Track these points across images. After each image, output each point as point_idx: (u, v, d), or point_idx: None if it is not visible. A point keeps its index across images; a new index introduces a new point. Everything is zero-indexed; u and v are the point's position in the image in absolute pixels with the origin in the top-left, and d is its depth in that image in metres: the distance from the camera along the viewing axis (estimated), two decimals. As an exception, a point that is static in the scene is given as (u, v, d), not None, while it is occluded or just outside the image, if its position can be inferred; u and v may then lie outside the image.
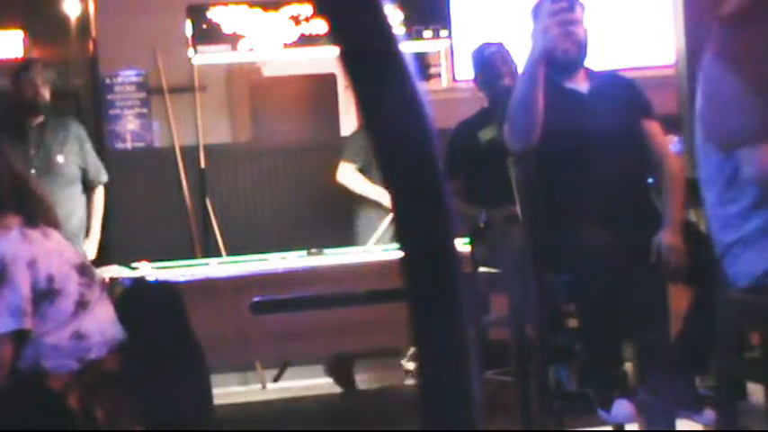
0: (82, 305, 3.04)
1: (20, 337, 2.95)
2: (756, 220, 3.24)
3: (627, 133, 3.94)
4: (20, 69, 6.32)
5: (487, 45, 5.28)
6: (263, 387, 6.61)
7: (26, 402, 2.92)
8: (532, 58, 3.79)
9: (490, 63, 5.17)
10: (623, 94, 4.04)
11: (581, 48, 4.00)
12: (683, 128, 5.41)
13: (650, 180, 4.07)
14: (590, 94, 4.01)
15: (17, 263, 2.98)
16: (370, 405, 5.85)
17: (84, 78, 7.99)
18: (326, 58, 7.34)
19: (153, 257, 5.64)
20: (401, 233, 0.78)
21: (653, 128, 4.00)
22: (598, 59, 5.54)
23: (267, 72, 8.41)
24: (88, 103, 7.82)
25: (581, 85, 4.02)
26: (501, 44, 5.27)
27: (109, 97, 7.78)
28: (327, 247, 5.94)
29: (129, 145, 7.73)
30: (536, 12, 3.99)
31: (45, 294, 3.00)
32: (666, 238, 3.73)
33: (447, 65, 7.89)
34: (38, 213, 3.13)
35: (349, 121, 8.18)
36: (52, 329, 2.99)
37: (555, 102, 3.83)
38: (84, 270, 3.11)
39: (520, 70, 4.98)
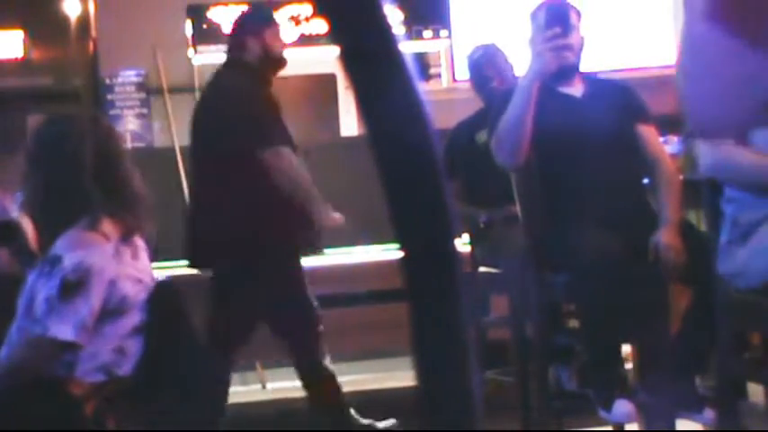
0: (138, 329, 3.00)
1: (66, 348, 2.90)
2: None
3: (622, 135, 3.96)
4: (261, 19, 4.91)
5: (477, 48, 5.30)
6: (264, 387, 6.61)
7: (45, 405, 2.89)
8: (526, 83, 3.84)
9: (477, 67, 5.18)
10: (618, 98, 4.08)
11: (576, 57, 4.03)
12: (684, 128, 5.41)
13: (646, 180, 4.09)
14: (585, 98, 4.04)
15: (102, 278, 2.92)
16: (370, 405, 5.84)
17: (84, 78, 8.00)
18: (326, 58, 7.35)
19: (153, 257, 5.63)
20: (401, 233, 0.78)
21: (648, 132, 4.03)
22: (599, 60, 5.56)
23: (267, 72, 8.40)
24: (88, 104, 7.82)
25: (576, 89, 4.06)
26: (491, 46, 5.27)
27: (109, 97, 7.78)
28: (327, 247, 5.94)
29: (129, 145, 7.73)
30: (534, 17, 4.02)
31: (111, 313, 2.95)
32: (664, 236, 3.74)
33: (447, 65, 7.89)
34: (135, 225, 3.06)
35: (349, 121, 8.19)
36: (101, 343, 2.94)
37: (550, 106, 3.87)
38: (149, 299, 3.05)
39: (515, 72, 5.00)
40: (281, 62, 4.80)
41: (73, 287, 2.90)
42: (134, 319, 2.98)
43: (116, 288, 2.94)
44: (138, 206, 3.11)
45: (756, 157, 3.13)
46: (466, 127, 5.16)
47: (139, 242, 3.09)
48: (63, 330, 2.88)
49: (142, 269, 3.08)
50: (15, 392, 2.90)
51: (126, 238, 3.02)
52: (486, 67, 5.14)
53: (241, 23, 4.86)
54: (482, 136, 5.00)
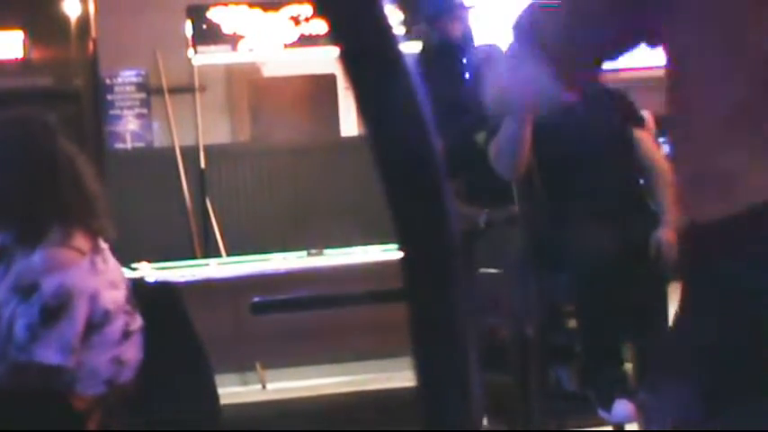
0: (126, 334, 2.93)
1: (54, 372, 2.83)
2: None
3: (618, 137, 4.01)
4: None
5: (477, 49, 5.27)
6: (263, 387, 6.61)
7: (45, 421, 2.85)
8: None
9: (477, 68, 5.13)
10: (613, 102, 4.13)
11: None
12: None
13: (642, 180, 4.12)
14: (581, 102, 4.08)
15: (82, 296, 2.83)
16: (370, 405, 5.85)
17: (85, 79, 8.00)
18: (326, 59, 7.35)
19: (153, 258, 5.64)
20: (400, 233, 0.78)
21: (642, 137, 4.08)
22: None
23: (267, 72, 8.42)
24: (88, 104, 7.82)
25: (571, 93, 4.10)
26: (491, 46, 5.24)
27: (109, 97, 7.78)
28: (327, 247, 5.94)
29: (128, 145, 7.73)
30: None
31: (96, 326, 2.87)
32: (665, 234, 3.78)
33: (447, 65, 7.88)
34: (102, 229, 2.95)
35: (349, 122, 8.19)
36: (93, 356, 2.88)
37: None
38: (130, 298, 2.97)
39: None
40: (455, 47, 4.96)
41: (54, 312, 2.80)
42: (119, 323, 2.91)
43: (97, 302, 2.86)
44: (101, 208, 2.98)
45: None
46: (464, 128, 5.14)
47: (104, 244, 2.97)
48: (49, 355, 2.80)
49: (114, 272, 2.98)
50: (14, 407, 2.85)
51: (96, 245, 2.92)
52: (486, 68, 5.10)
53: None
54: (481, 137, 4.98)
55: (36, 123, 2.99)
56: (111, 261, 2.99)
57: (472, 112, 5.05)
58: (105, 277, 2.92)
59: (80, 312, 2.83)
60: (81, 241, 2.88)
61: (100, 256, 2.92)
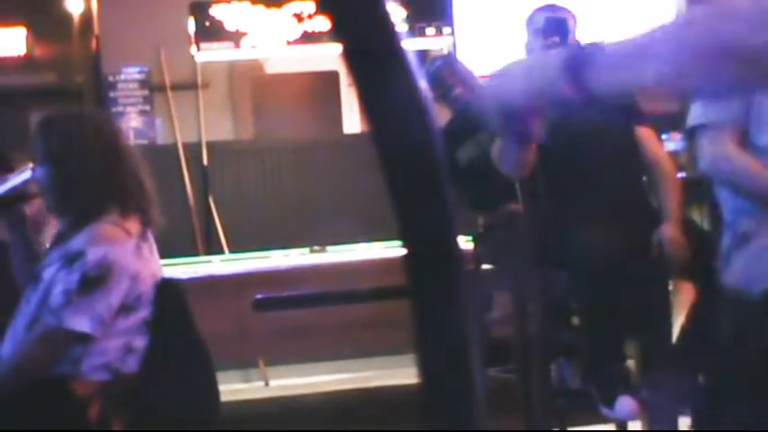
0: (147, 324, 3.00)
1: (81, 339, 2.89)
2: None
3: (621, 135, 4.01)
4: None
5: (433, 60, 5.26)
6: (266, 384, 6.62)
7: (48, 407, 2.87)
8: None
9: (439, 76, 5.08)
10: (616, 100, 4.12)
11: None
12: (684, 126, 5.41)
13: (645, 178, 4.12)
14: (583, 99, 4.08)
15: (123, 273, 2.92)
16: (372, 402, 5.85)
17: (87, 75, 8.00)
18: (329, 56, 7.35)
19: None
20: (403, 230, 0.78)
21: (645, 134, 4.07)
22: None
23: (270, 69, 8.43)
24: (91, 101, 7.82)
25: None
26: (448, 55, 5.27)
27: (112, 94, 7.78)
28: (330, 244, 5.95)
29: (131, 142, 7.73)
30: (530, 22, 4.07)
31: (126, 308, 2.95)
32: (667, 232, 3.77)
33: (450, 62, 7.88)
34: (153, 220, 3.08)
35: (352, 119, 8.19)
36: (110, 337, 2.93)
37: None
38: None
39: (477, 78, 4.99)
40: None
41: (93, 282, 2.90)
42: (144, 313, 2.98)
43: (136, 285, 2.95)
44: (154, 200, 3.13)
45: (752, 167, 3.13)
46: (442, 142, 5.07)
47: (151, 237, 3.10)
48: (79, 322, 2.88)
49: (156, 264, 3.10)
50: (18, 393, 2.88)
51: (145, 233, 3.04)
52: (448, 75, 5.08)
53: None
54: (462, 153, 4.93)
55: (105, 120, 3.26)
56: (156, 254, 3.11)
57: (454, 127, 5.04)
58: (149, 265, 3.03)
59: (118, 288, 2.93)
60: (132, 225, 3.01)
61: (147, 244, 3.05)
